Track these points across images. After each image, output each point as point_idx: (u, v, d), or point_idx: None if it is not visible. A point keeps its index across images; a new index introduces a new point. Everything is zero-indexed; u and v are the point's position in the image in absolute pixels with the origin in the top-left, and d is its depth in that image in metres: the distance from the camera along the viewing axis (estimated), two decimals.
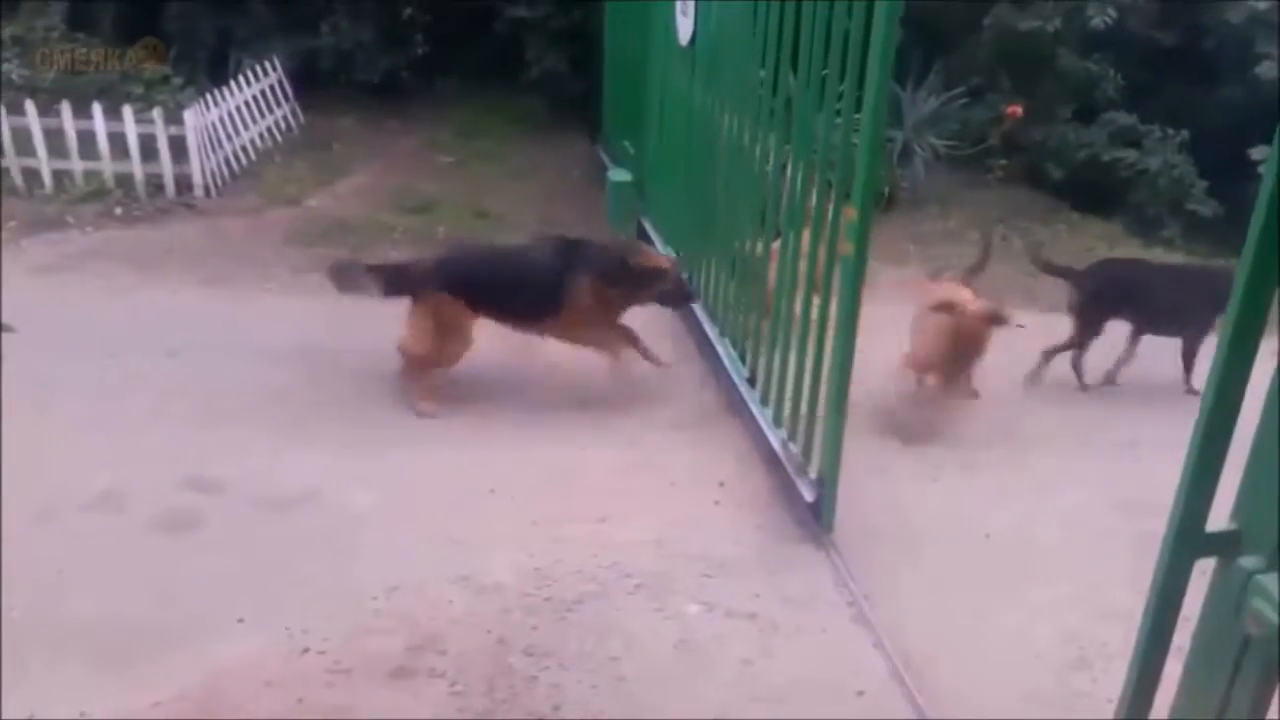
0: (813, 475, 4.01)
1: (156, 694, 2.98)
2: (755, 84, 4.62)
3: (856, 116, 3.66)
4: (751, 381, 4.77)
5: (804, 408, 4.11)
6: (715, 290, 5.42)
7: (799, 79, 4.08)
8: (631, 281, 4.95)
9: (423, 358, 4.81)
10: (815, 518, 3.94)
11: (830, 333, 3.87)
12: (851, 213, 3.59)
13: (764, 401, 4.59)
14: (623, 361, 5.03)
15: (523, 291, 4.87)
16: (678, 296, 5.24)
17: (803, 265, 4.20)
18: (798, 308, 4.27)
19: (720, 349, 5.19)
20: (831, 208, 3.85)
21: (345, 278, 4.93)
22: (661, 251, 6.03)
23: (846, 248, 3.65)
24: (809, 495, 3.98)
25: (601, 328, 4.99)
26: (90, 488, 3.92)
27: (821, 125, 3.94)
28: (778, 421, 4.41)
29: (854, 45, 3.51)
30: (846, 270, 3.68)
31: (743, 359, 4.93)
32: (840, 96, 3.76)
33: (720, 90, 5.17)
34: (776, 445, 4.35)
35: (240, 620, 3.31)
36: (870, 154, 3.54)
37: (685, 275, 5.40)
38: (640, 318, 5.74)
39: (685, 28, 5.71)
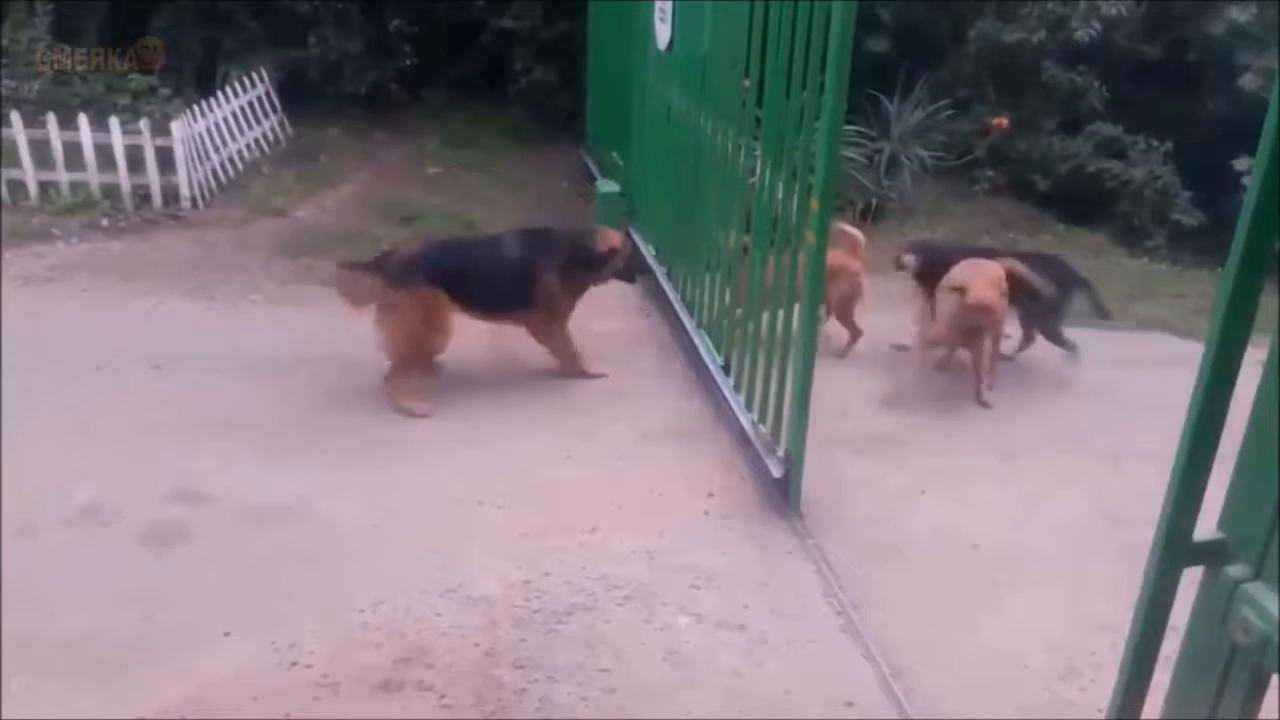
0: (780, 453, 4.20)
1: (140, 708, 2.96)
2: (728, 86, 4.78)
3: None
4: (726, 369, 4.97)
5: (772, 390, 4.33)
6: (694, 291, 5.54)
7: (766, 79, 4.28)
8: (592, 263, 5.18)
9: (410, 355, 4.81)
10: (782, 494, 4.16)
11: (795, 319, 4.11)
12: (814, 203, 3.82)
13: (737, 388, 4.78)
14: (571, 369, 5.21)
15: (498, 282, 4.98)
16: (631, 270, 5.46)
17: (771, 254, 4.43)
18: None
19: (697, 340, 5.38)
20: (796, 200, 4.09)
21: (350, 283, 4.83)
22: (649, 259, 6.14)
23: (809, 237, 3.90)
24: (776, 472, 4.18)
25: (565, 317, 5.18)
26: (74, 500, 3.90)
27: (787, 122, 4.14)
28: (749, 405, 4.60)
29: (815, 44, 3.72)
30: (809, 257, 3.92)
31: (720, 352, 5.11)
32: (804, 94, 3.93)
33: (695, 93, 5.30)
34: (748, 427, 4.54)
35: (226, 634, 3.28)
36: (829, 148, 3.72)
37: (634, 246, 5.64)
38: (627, 325, 5.76)
39: (663, 33, 5.81)
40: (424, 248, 5.04)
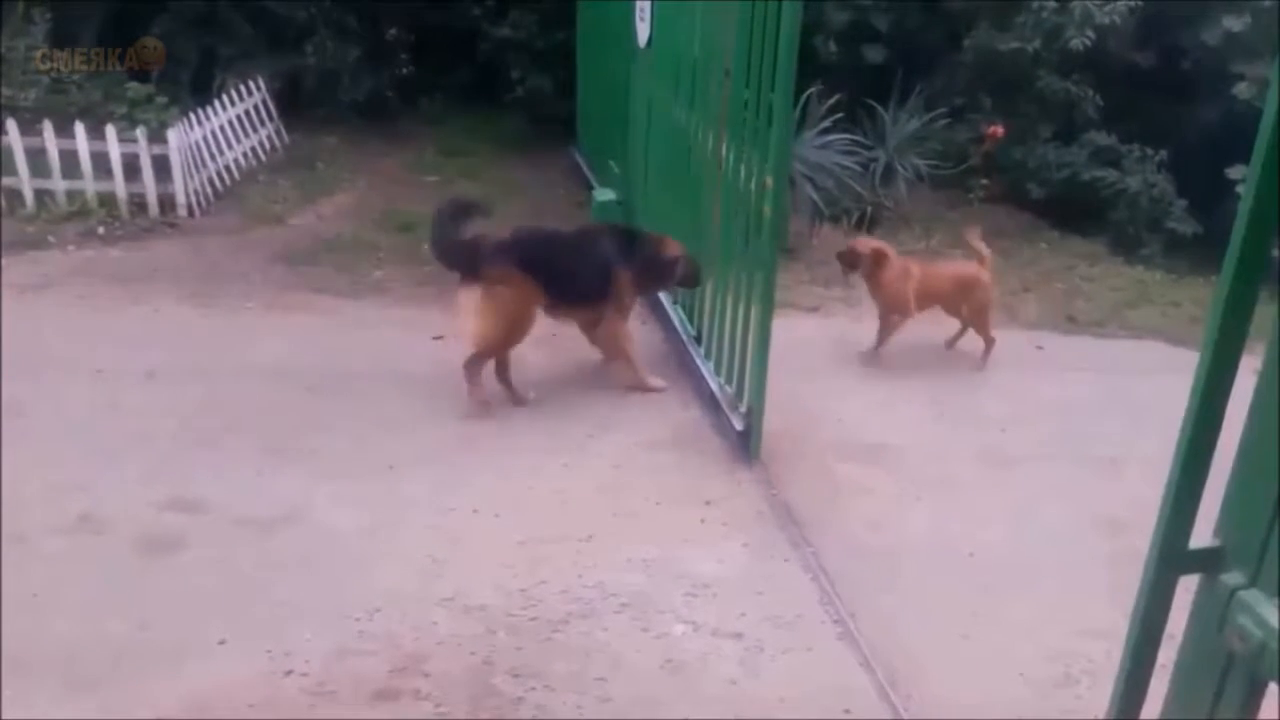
0: (743, 409, 4.61)
1: (136, 716, 2.95)
2: (701, 80, 5.08)
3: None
4: (698, 339, 5.38)
5: (736, 352, 4.75)
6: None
7: (732, 71, 4.61)
8: (659, 268, 5.25)
9: (494, 345, 4.85)
10: (744, 446, 4.56)
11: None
12: (769, 181, 4.27)
13: (707, 355, 5.20)
14: (624, 367, 5.21)
15: (581, 276, 5.04)
16: (692, 278, 5.36)
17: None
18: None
19: (672, 314, 5.73)
20: (755, 180, 4.47)
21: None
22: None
23: (766, 210, 4.34)
24: (739, 425, 4.59)
25: (626, 317, 5.26)
26: (69, 508, 3.89)
27: (747, 111, 4.52)
28: (718, 370, 5.01)
29: (769, 41, 4.11)
30: (766, 227, 4.38)
31: (693, 323, 5.55)
32: (759, 86, 4.31)
33: (671, 87, 5.54)
34: (715, 389, 4.95)
35: (222, 642, 3.28)
36: (781, 131, 4.17)
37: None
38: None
39: (643, 31, 5.98)
40: (516, 234, 5.05)
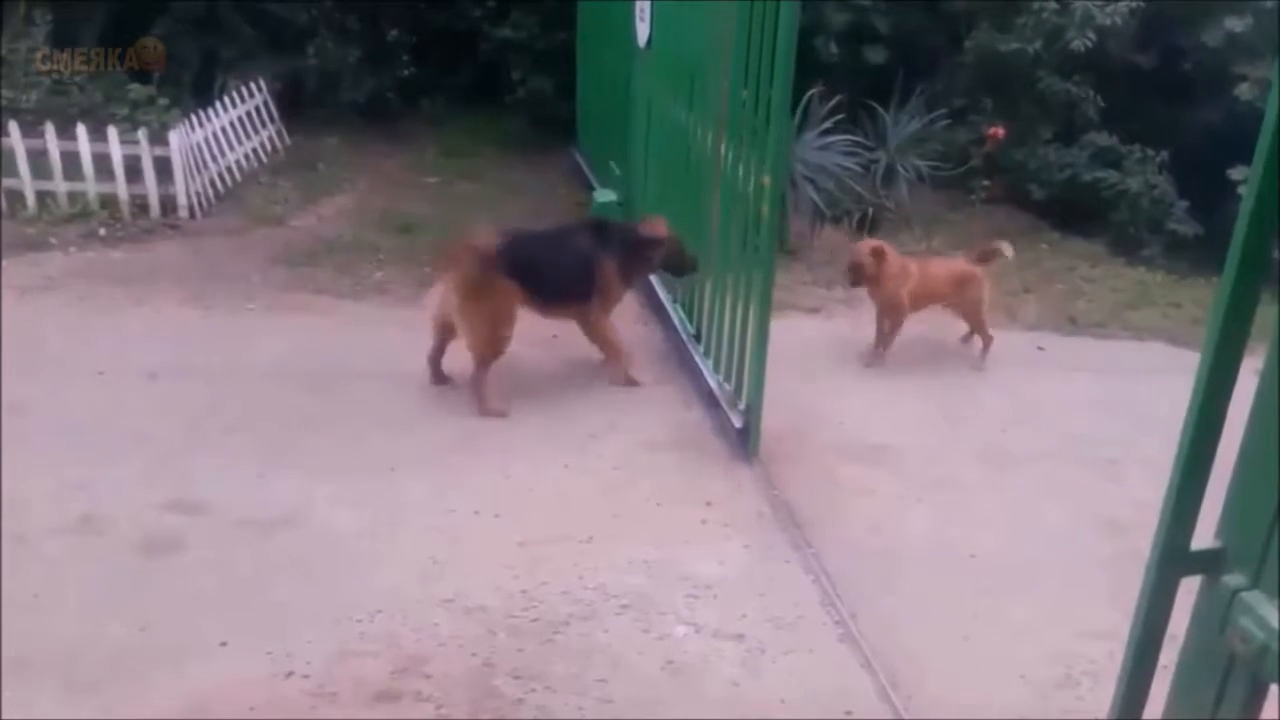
0: (741, 406, 4.66)
1: (137, 719, 2.95)
2: (701, 80, 5.14)
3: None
4: (697, 337, 5.43)
5: (735, 350, 4.81)
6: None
7: (730, 73, 4.66)
8: (642, 250, 5.26)
9: (493, 351, 4.88)
10: (743, 444, 4.59)
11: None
12: (767, 180, 4.35)
13: (706, 353, 5.26)
14: (616, 363, 5.27)
15: (567, 274, 5.08)
16: (678, 263, 5.39)
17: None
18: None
19: (672, 312, 5.79)
20: (753, 179, 4.53)
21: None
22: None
23: (764, 210, 4.42)
24: (738, 423, 4.63)
25: (612, 309, 5.29)
26: (71, 509, 3.89)
27: (745, 111, 4.58)
28: (717, 368, 5.07)
29: (767, 41, 4.16)
30: (764, 226, 4.45)
31: (692, 322, 5.58)
32: (758, 86, 4.35)
33: (670, 86, 5.62)
34: (714, 386, 5.01)
35: (223, 643, 3.28)
36: (779, 131, 4.25)
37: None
38: (626, 334, 5.74)
39: (643, 31, 6.02)
40: (504, 239, 5.02)
